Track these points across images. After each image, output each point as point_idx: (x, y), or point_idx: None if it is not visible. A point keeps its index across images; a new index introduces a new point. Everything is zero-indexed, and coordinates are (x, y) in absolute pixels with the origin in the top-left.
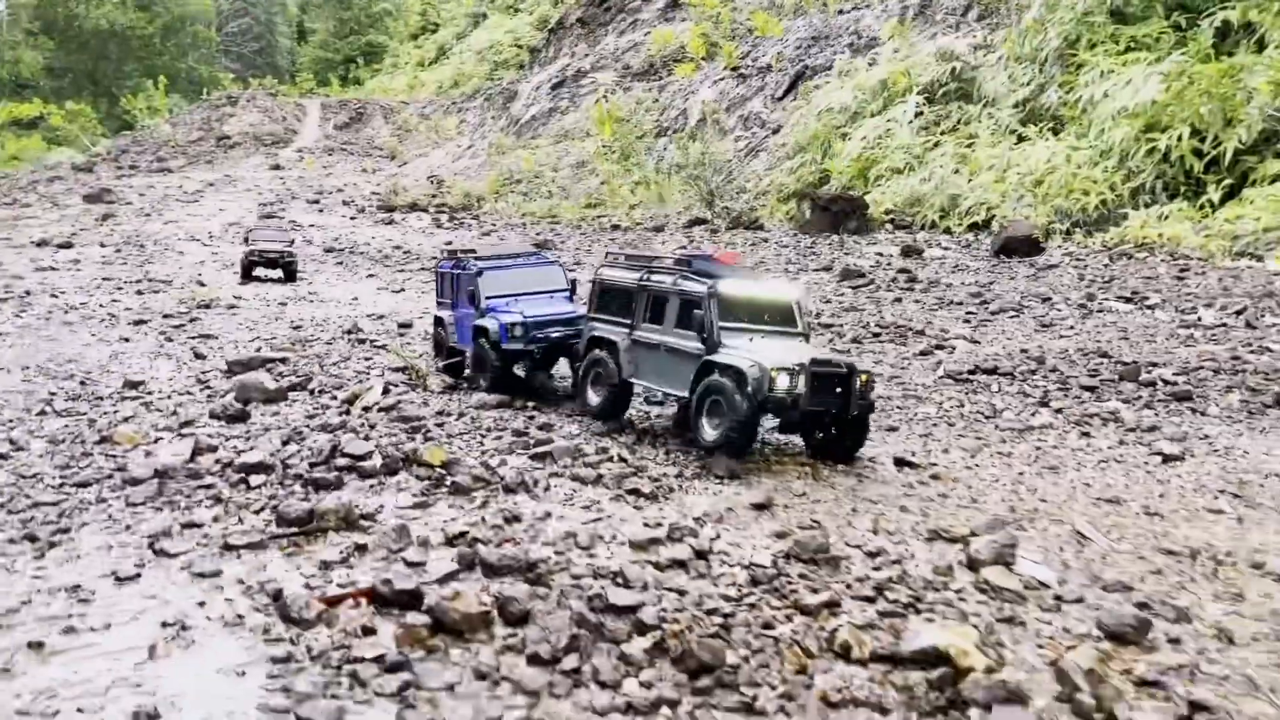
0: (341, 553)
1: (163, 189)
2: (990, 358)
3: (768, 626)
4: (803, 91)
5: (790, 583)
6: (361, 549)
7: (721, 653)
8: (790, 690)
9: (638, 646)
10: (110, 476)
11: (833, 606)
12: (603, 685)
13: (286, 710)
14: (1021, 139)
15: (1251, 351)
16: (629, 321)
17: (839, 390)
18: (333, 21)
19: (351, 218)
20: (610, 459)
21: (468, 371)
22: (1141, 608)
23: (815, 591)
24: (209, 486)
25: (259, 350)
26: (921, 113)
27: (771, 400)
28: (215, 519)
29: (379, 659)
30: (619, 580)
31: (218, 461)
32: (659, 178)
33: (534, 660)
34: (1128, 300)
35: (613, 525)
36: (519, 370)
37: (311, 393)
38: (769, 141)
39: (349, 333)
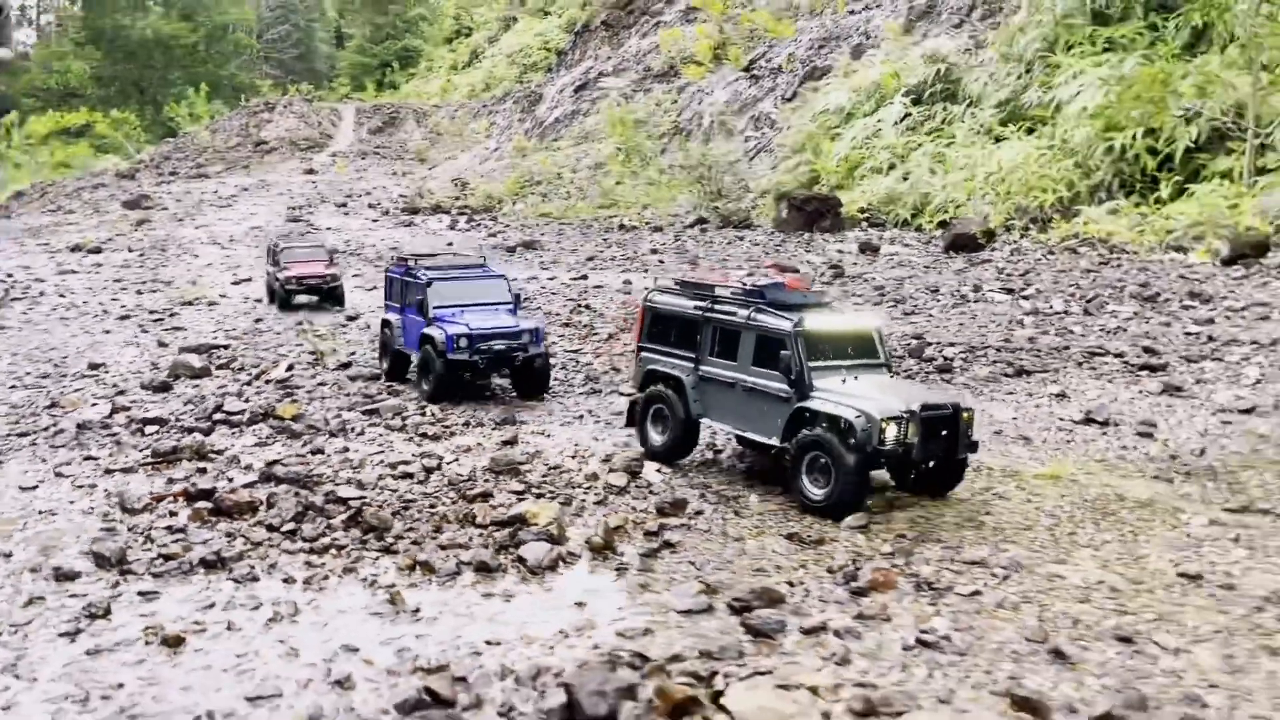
0: (186, 474)
1: (199, 194)
2: None
3: (433, 508)
4: (803, 93)
5: (473, 485)
6: (202, 471)
7: (388, 520)
8: (420, 540)
9: (339, 519)
10: (46, 429)
11: (487, 496)
12: (305, 538)
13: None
14: (998, 139)
15: (1047, 334)
16: (692, 355)
17: (945, 433)
18: (369, 27)
19: (374, 220)
20: (422, 414)
21: (412, 374)
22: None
23: (486, 490)
24: (114, 434)
25: (215, 338)
26: (909, 114)
27: (883, 454)
28: (110, 455)
29: (168, 528)
30: (355, 483)
31: (128, 418)
32: (663, 179)
33: (270, 527)
34: (1009, 291)
35: (387, 455)
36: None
37: (232, 370)
38: (775, 142)
39: (299, 325)
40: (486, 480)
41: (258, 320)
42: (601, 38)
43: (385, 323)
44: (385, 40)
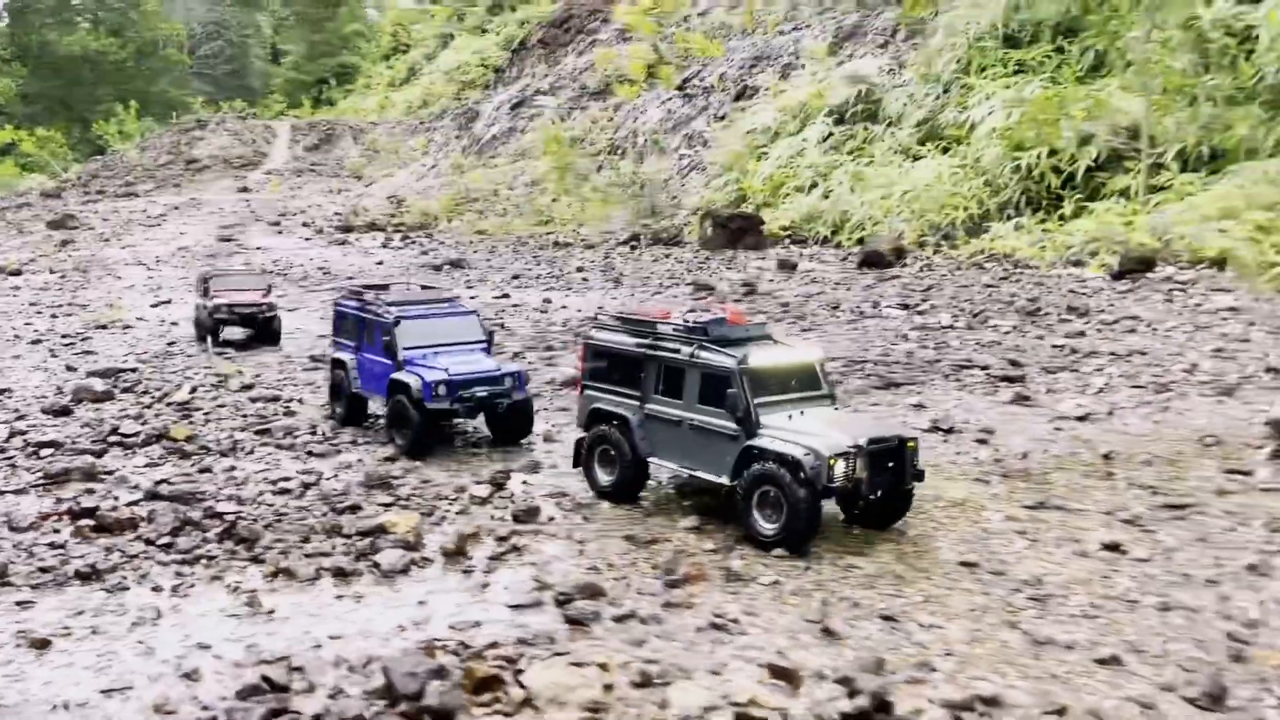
0: (75, 494)
1: (127, 213)
2: None
3: (304, 520)
4: (733, 112)
5: (345, 499)
6: (90, 491)
7: (259, 533)
8: (287, 549)
9: (214, 533)
10: None
11: (355, 509)
12: (179, 550)
13: None
14: (915, 158)
15: (926, 348)
16: (637, 393)
17: (892, 464)
18: (304, 44)
19: (307, 239)
20: (312, 433)
21: (374, 419)
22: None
23: (356, 503)
24: (9, 458)
25: (126, 362)
26: (832, 133)
27: (832, 490)
28: (3, 477)
29: (50, 544)
30: (235, 499)
31: (24, 441)
32: (597, 196)
33: (147, 541)
34: (905, 307)
35: (270, 473)
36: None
37: (135, 394)
38: (706, 160)
39: (219, 351)
40: (359, 494)
41: (171, 344)
42: (539, 55)
43: (337, 362)
44: (321, 57)
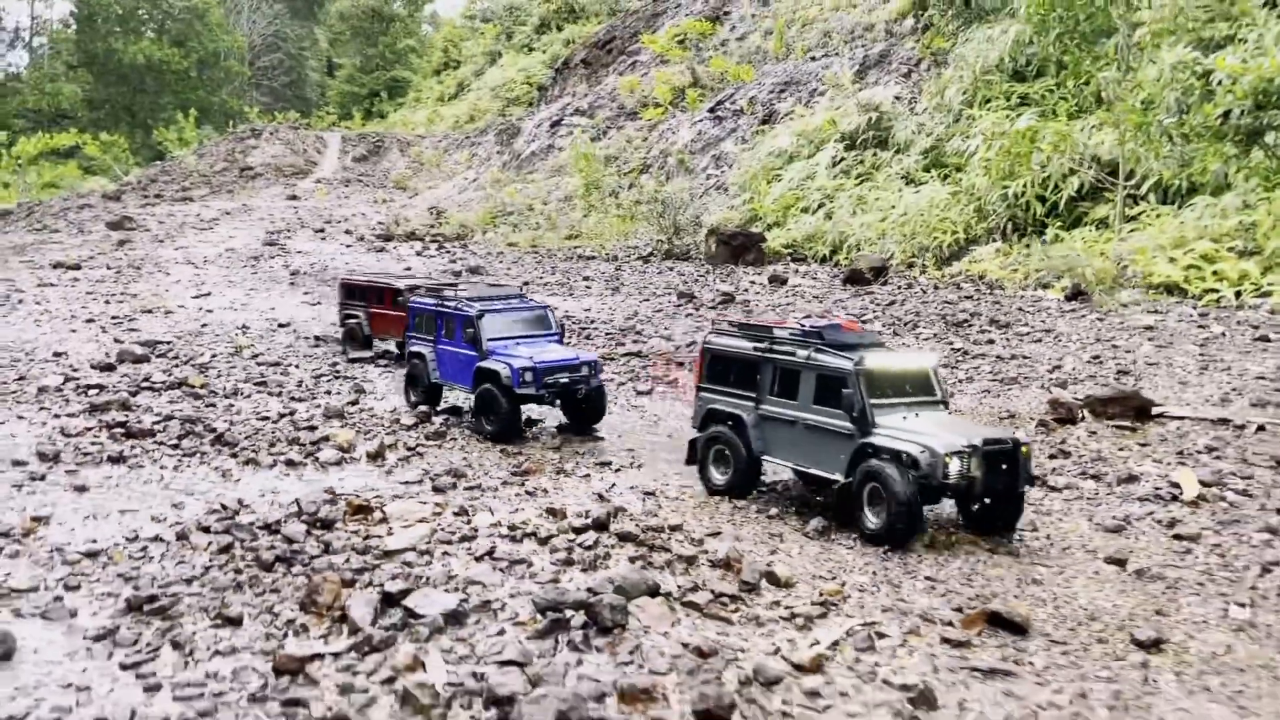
0: (111, 418)
1: (181, 217)
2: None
3: (274, 434)
4: (755, 135)
5: (310, 422)
6: (124, 415)
7: (239, 439)
8: (258, 449)
9: (208, 440)
10: (14, 393)
11: (314, 429)
12: (183, 449)
13: (37, 447)
14: (917, 184)
15: None
16: (753, 395)
17: (1005, 466)
18: (359, 57)
19: (348, 245)
20: (298, 386)
21: (447, 405)
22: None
23: (315, 424)
24: (64, 394)
25: (164, 338)
26: (843, 159)
27: (947, 487)
28: (60, 406)
29: (91, 441)
30: (228, 422)
31: (76, 385)
32: (621, 212)
33: (160, 443)
34: (854, 317)
35: (259, 409)
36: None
37: (167, 358)
38: (729, 180)
39: (240, 328)
40: (320, 421)
41: (204, 325)
42: (580, 75)
43: (414, 355)
44: (375, 70)
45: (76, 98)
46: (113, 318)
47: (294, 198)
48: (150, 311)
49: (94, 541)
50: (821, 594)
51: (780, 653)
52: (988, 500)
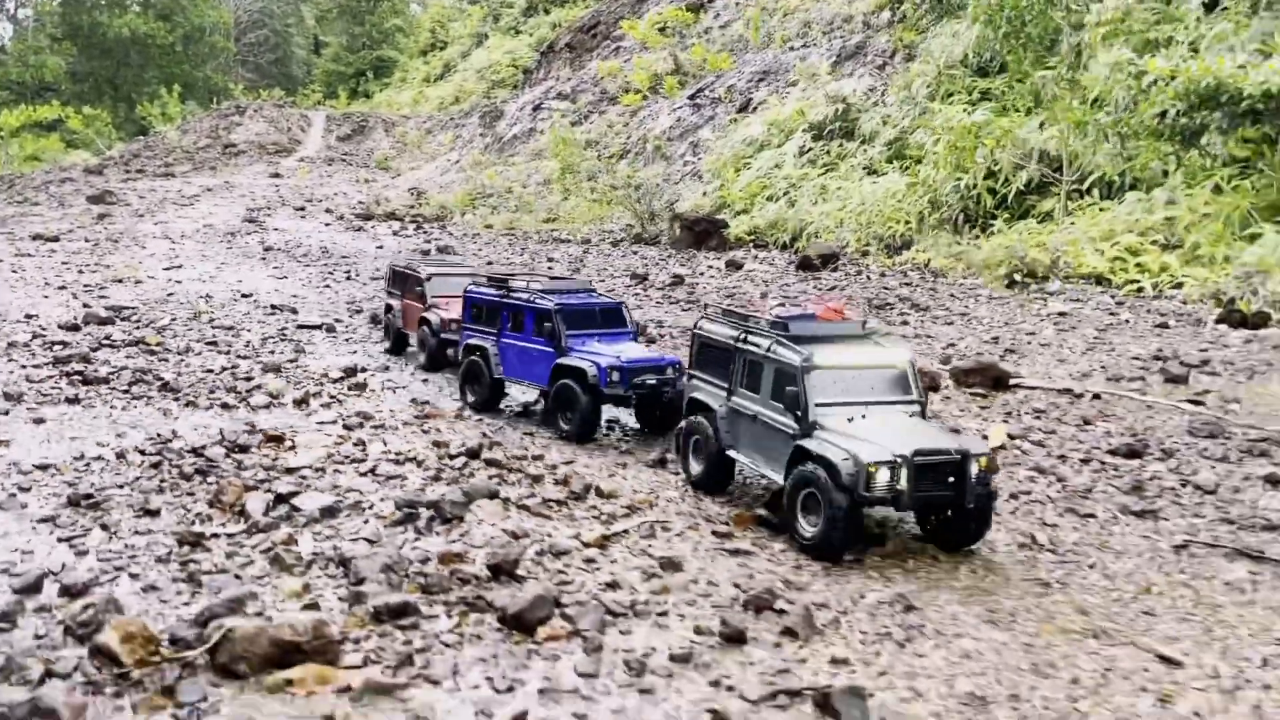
0: (72, 367)
1: (163, 192)
2: None
3: (216, 383)
4: (730, 123)
5: (248, 375)
6: (83, 366)
7: (183, 386)
8: (198, 394)
9: (155, 386)
10: None
11: (250, 379)
12: (132, 394)
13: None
14: (878, 174)
15: None
16: (726, 385)
17: (951, 479)
18: (345, 35)
19: (326, 224)
20: (245, 345)
21: (510, 404)
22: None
23: (251, 376)
24: (31, 349)
25: (129, 304)
26: (811, 148)
27: (871, 499)
28: (27, 359)
29: (51, 387)
30: (176, 374)
31: (43, 342)
32: (597, 197)
33: (113, 388)
34: (786, 298)
35: (206, 364)
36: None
37: (130, 322)
38: (703, 167)
39: (204, 296)
40: (259, 374)
41: (170, 294)
42: (565, 59)
43: (474, 348)
44: (361, 49)
45: (60, 70)
46: (85, 286)
47: (276, 175)
48: (121, 281)
49: (46, 459)
50: (633, 503)
51: (578, 536)
52: (947, 513)
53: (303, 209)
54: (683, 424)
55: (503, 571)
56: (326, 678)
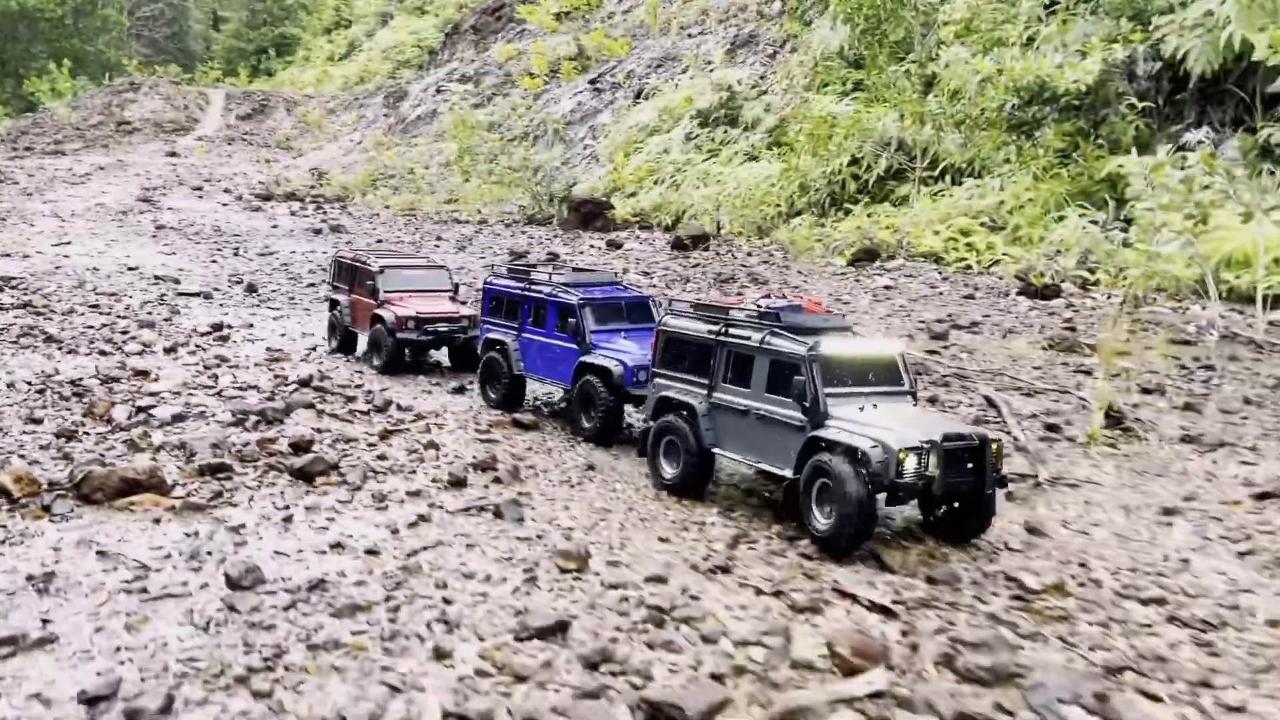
0: None
1: (52, 171)
2: None
3: (94, 336)
4: (625, 108)
5: (125, 330)
6: None
7: (65, 339)
8: (78, 344)
9: (41, 339)
10: None
11: (125, 333)
12: (21, 345)
13: None
14: (756, 160)
15: None
16: (705, 381)
17: (971, 465)
18: (246, 11)
19: (224, 204)
20: (125, 307)
21: (533, 403)
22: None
23: (127, 330)
24: None
25: (16, 275)
26: (697, 134)
27: (901, 486)
28: None
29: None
30: (60, 329)
31: None
32: (496, 179)
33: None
34: (646, 274)
35: (87, 323)
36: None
37: (18, 290)
38: (599, 151)
39: (90, 269)
40: (135, 329)
41: (58, 268)
42: (470, 40)
43: (493, 343)
44: (263, 26)
45: None
46: None
47: (173, 155)
48: (9, 255)
49: None
50: (423, 413)
51: (368, 432)
52: (955, 503)
53: (200, 189)
54: (650, 425)
55: (300, 448)
56: (159, 502)
